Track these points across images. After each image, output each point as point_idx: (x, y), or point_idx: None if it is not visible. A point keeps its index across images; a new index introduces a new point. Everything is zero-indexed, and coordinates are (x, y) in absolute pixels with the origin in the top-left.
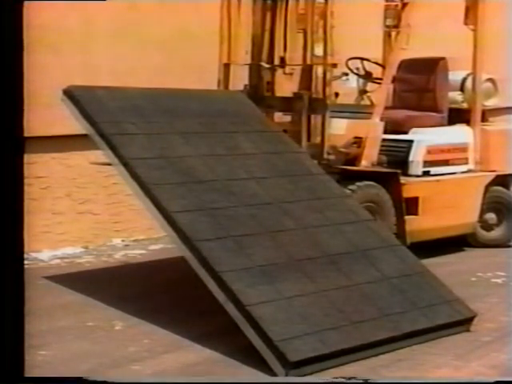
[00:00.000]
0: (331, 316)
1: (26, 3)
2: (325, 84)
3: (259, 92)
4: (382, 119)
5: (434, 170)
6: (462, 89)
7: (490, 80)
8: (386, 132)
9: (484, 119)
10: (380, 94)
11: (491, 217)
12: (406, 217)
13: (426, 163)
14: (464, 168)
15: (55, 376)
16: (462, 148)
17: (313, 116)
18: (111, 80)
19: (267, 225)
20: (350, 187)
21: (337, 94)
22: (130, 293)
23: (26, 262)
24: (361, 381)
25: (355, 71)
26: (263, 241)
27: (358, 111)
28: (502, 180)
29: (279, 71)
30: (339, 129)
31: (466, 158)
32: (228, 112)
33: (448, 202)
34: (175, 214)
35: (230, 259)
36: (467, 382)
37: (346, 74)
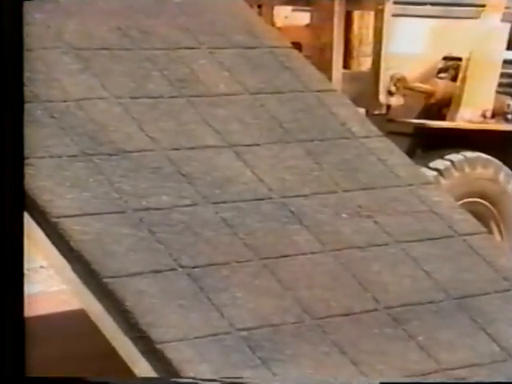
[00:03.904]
0: None
1: (25, 3)
2: None
3: None
4: (506, 16)
5: None
6: None
7: None
8: None
9: None
10: None
11: None
12: None
13: None
14: None
15: (55, 376)
16: None
17: (356, 13)
18: None
19: (258, 243)
20: (435, 164)
21: None
22: None
23: None
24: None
25: None
26: (249, 277)
27: (453, 2)
28: None
29: None
30: (413, 42)
31: None
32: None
33: None
34: (66, 222)
35: (182, 316)
36: (468, 382)
37: None
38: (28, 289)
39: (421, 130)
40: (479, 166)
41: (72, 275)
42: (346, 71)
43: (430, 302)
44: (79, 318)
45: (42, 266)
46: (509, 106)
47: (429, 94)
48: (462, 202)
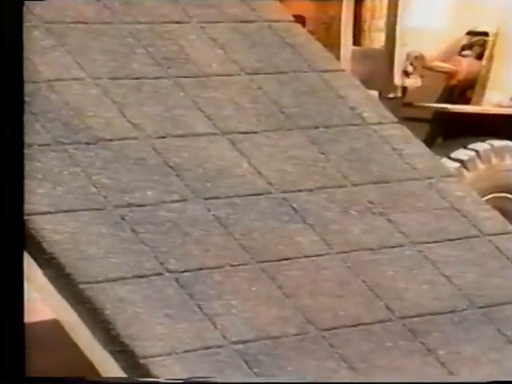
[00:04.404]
0: None
1: (26, 3)
2: None
3: None
4: None
5: None
6: None
7: None
8: None
9: None
10: None
11: None
12: None
13: None
14: None
15: (56, 376)
16: None
17: None
18: None
19: (255, 245)
20: (457, 154)
21: None
22: None
23: None
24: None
25: None
26: (245, 283)
27: None
28: None
29: None
30: (432, 15)
31: None
32: None
33: None
34: (37, 220)
35: (169, 327)
36: (467, 381)
37: None
38: None
39: (441, 116)
40: (508, 157)
41: (43, 281)
42: (356, 48)
43: (452, 312)
44: (52, 329)
45: None
46: None
47: (450, 75)
48: (487, 197)
